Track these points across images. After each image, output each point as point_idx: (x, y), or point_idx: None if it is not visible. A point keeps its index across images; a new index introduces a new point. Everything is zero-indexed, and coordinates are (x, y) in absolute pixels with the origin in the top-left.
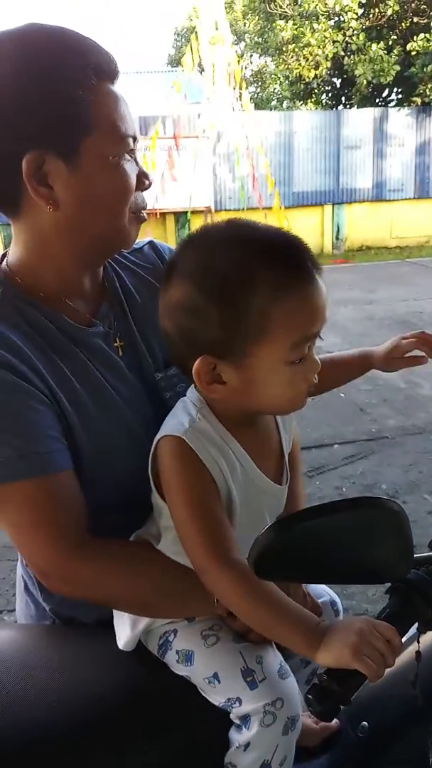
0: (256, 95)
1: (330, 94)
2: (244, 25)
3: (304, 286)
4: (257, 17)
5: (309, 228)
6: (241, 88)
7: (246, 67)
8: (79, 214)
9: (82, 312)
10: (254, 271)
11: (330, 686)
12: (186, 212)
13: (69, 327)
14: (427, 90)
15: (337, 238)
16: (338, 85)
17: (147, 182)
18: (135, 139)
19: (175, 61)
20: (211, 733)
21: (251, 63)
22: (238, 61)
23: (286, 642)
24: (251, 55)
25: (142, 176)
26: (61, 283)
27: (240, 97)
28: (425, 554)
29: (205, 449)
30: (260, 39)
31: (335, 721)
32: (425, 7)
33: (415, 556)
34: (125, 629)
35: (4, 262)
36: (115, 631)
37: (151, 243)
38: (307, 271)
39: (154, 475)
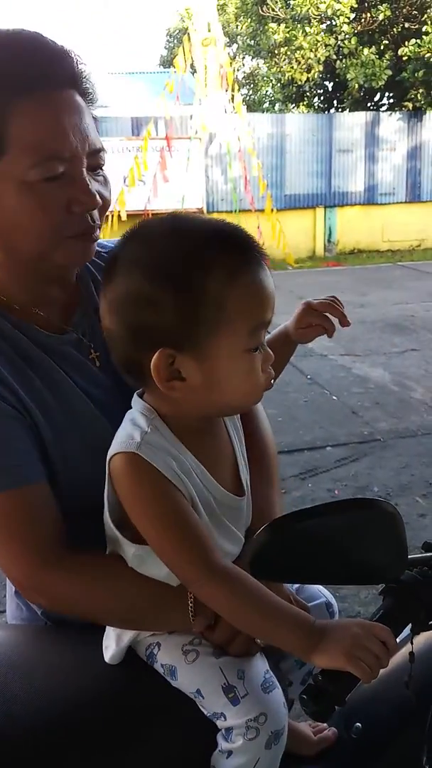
0: (248, 97)
1: (322, 98)
2: (237, 27)
3: (257, 270)
4: (249, 19)
5: (301, 230)
6: (233, 90)
7: (238, 69)
8: (3, 231)
9: (53, 320)
10: (208, 257)
11: (324, 687)
12: None
13: (38, 336)
14: (419, 95)
15: (329, 241)
16: (330, 89)
17: (85, 203)
18: (76, 157)
19: (168, 62)
20: (201, 739)
21: (243, 65)
22: (231, 63)
23: (281, 644)
24: (243, 57)
25: (76, 199)
26: (25, 291)
27: (232, 98)
28: (419, 555)
29: (162, 460)
30: (252, 41)
31: (332, 730)
32: (416, 12)
33: (408, 557)
34: (111, 643)
35: None
36: (103, 643)
37: None
38: (257, 257)
39: (110, 497)
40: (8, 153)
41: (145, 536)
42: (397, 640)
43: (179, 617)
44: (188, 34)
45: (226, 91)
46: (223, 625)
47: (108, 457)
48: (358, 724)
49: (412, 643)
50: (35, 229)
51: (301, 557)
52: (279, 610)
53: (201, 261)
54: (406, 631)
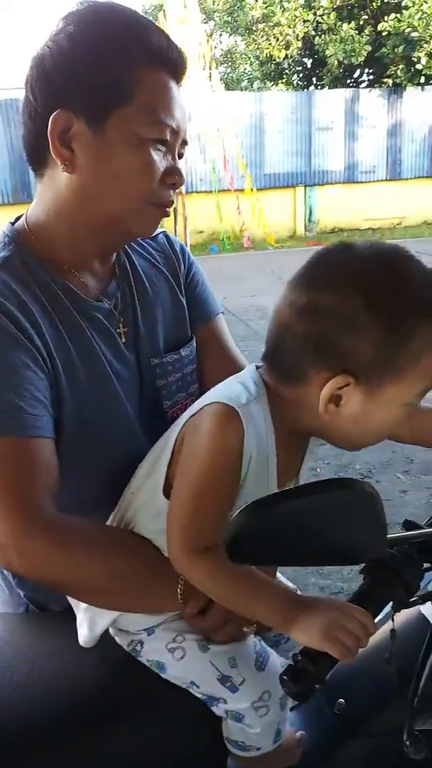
0: (226, 75)
1: (301, 75)
2: (213, 4)
3: None
4: None
5: (281, 210)
6: (210, 68)
7: (215, 47)
8: (93, 184)
9: (90, 287)
10: (426, 310)
11: (304, 667)
12: None
13: (75, 296)
14: (399, 71)
15: (309, 221)
16: (309, 66)
17: (177, 179)
18: (177, 135)
19: None
20: (194, 722)
21: (221, 42)
22: (208, 40)
23: (263, 617)
24: (221, 35)
25: (172, 171)
26: (72, 252)
27: (210, 77)
28: (398, 534)
29: (250, 434)
30: (230, 18)
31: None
32: None
33: (388, 536)
34: (83, 629)
35: (22, 219)
36: (77, 626)
37: (165, 233)
38: None
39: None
40: (131, 104)
41: (176, 484)
42: (380, 617)
43: (166, 598)
44: (164, 11)
45: (204, 69)
46: (215, 610)
47: (201, 404)
48: (341, 700)
49: (393, 621)
50: (132, 186)
51: (279, 539)
52: (261, 583)
53: (422, 313)
54: (388, 608)
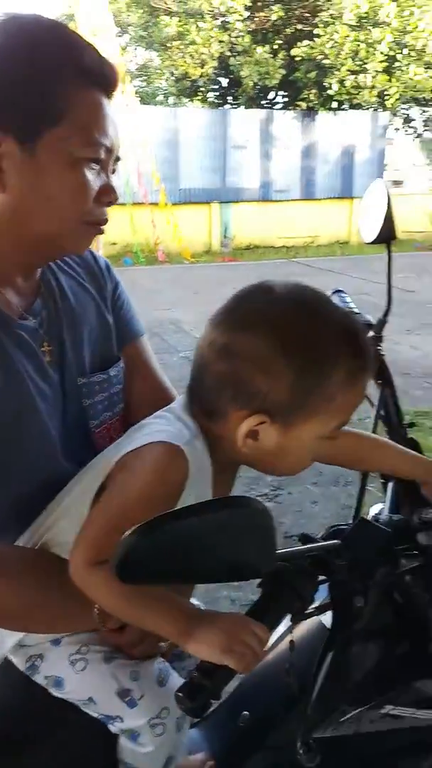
0: (141, 89)
1: (217, 93)
2: (128, 17)
3: (365, 378)
4: (141, 10)
5: (197, 225)
6: (125, 82)
7: (131, 61)
8: (26, 204)
9: (14, 304)
10: (341, 354)
11: (200, 682)
12: None
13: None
14: (311, 95)
15: (225, 236)
16: (225, 85)
17: (111, 197)
18: (111, 153)
19: None
20: (90, 743)
21: (136, 56)
22: (122, 53)
23: (158, 630)
24: (136, 48)
25: (107, 190)
26: None
27: (124, 90)
28: (294, 548)
29: (194, 470)
30: (145, 33)
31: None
32: (309, 15)
33: (284, 550)
34: None
35: None
36: None
37: (90, 251)
38: (370, 365)
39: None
40: (63, 125)
41: (99, 504)
42: (280, 629)
43: (84, 617)
44: (75, 21)
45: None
46: (132, 627)
47: (138, 444)
48: (245, 713)
49: (291, 632)
50: (67, 207)
51: (170, 559)
52: (155, 596)
53: (335, 356)
54: (288, 620)
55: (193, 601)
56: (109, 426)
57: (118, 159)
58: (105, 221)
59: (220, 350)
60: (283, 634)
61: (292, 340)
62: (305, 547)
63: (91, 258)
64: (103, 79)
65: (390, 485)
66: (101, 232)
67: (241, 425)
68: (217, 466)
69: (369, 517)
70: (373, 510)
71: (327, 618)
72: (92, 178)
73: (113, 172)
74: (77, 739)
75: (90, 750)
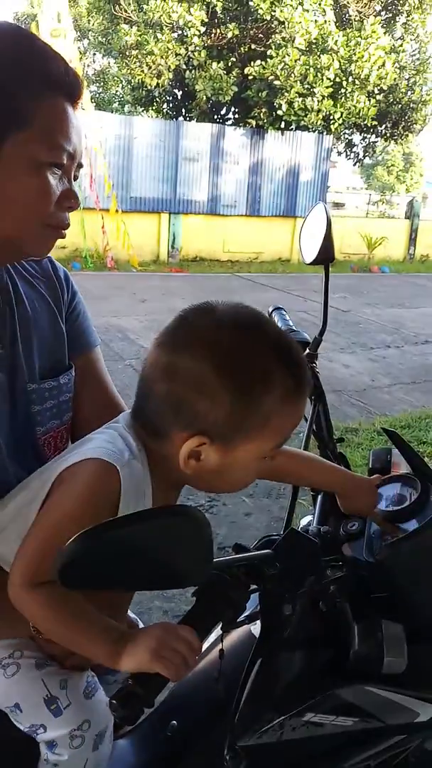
0: (97, 95)
1: (171, 105)
2: (89, 23)
3: (302, 399)
4: (102, 17)
5: (146, 234)
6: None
7: (88, 66)
8: None
9: None
10: (275, 373)
11: (134, 690)
12: None
13: None
14: (262, 114)
15: (172, 247)
16: (179, 97)
17: (73, 201)
18: (73, 159)
19: None
20: (20, 750)
21: (94, 62)
22: (81, 58)
23: (90, 654)
24: (94, 54)
25: (69, 194)
26: None
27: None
28: (227, 558)
29: (129, 491)
30: (104, 39)
31: None
32: (262, 36)
33: (217, 559)
34: None
35: None
36: None
37: (49, 259)
38: (307, 382)
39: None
40: (28, 129)
41: (34, 523)
42: (211, 638)
43: (19, 625)
44: (37, 21)
45: None
46: None
47: (76, 459)
48: (173, 722)
49: (222, 641)
50: (29, 209)
51: (111, 565)
52: (88, 620)
53: (269, 376)
54: (219, 630)
55: (130, 614)
56: (56, 434)
57: (80, 166)
58: (66, 225)
59: (162, 371)
60: (214, 643)
61: (228, 362)
62: (238, 556)
63: (49, 266)
64: (69, 87)
65: (319, 498)
66: (62, 236)
67: (182, 447)
68: (161, 485)
69: (299, 528)
70: (303, 521)
71: (255, 627)
72: (54, 182)
73: (75, 178)
74: (7, 750)
75: (8, 762)
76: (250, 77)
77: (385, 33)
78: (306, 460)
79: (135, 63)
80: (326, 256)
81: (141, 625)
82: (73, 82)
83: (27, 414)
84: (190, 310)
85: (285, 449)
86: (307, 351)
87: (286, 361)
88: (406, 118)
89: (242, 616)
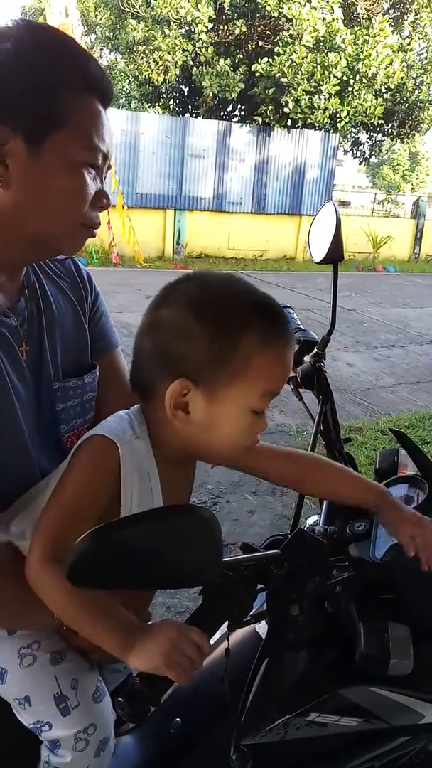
0: None
1: (178, 101)
2: (96, 18)
3: (283, 344)
4: (109, 12)
5: (151, 230)
6: None
7: None
8: (26, 203)
9: None
10: (252, 318)
11: (140, 689)
12: None
13: None
14: (268, 111)
15: (177, 244)
16: (186, 93)
17: (105, 201)
18: (106, 160)
19: None
20: (20, 751)
21: (101, 57)
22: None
23: (101, 642)
24: (101, 49)
25: (101, 195)
26: None
27: None
28: (234, 557)
29: (130, 470)
30: (111, 35)
31: None
32: (270, 33)
33: (225, 558)
34: None
35: None
36: None
37: (72, 259)
38: (289, 334)
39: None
40: (67, 128)
41: (48, 500)
42: (216, 636)
43: (44, 616)
44: (44, 15)
45: None
46: None
47: (87, 435)
48: (178, 719)
49: (228, 640)
50: (66, 208)
51: (120, 564)
52: (103, 609)
53: (245, 318)
54: (225, 627)
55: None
56: (79, 432)
57: (109, 167)
58: (98, 225)
59: (145, 328)
60: (219, 641)
61: (205, 306)
62: (246, 556)
63: (73, 267)
64: (103, 89)
65: None
66: (93, 235)
67: (167, 392)
68: (166, 464)
69: (305, 528)
70: (309, 521)
71: (260, 626)
72: (90, 182)
73: (105, 178)
74: (11, 747)
75: (9, 757)
76: (257, 74)
77: (393, 31)
78: (338, 471)
79: (142, 59)
80: (335, 255)
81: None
82: (107, 84)
83: (52, 412)
84: (174, 280)
85: (318, 459)
86: (315, 350)
87: (262, 305)
88: (413, 117)
89: (249, 615)
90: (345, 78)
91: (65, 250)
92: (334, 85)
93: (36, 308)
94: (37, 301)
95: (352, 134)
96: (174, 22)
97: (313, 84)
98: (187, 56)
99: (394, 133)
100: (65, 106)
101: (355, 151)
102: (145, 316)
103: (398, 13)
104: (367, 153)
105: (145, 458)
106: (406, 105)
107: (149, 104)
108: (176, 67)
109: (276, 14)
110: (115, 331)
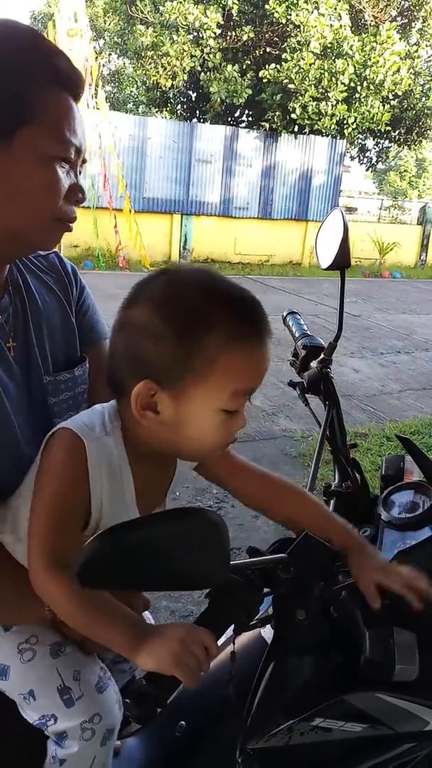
0: (112, 95)
1: (185, 106)
2: (105, 23)
3: (254, 342)
4: (118, 17)
5: (158, 235)
6: (97, 86)
7: (104, 66)
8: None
9: None
10: (216, 314)
11: (147, 690)
12: None
13: None
14: (275, 117)
15: (184, 248)
16: (194, 99)
17: (80, 196)
18: (79, 154)
19: None
20: (27, 750)
21: (109, 62)
22: (96, 58)
23: (110, 644)
24: (110, 54)
25: (76, 189)
26: None
27: (95, 94)
28: (242, 561)
29: (98, 466)
30: (120, 40)
31: None
32: (277, 39)
33: (232, 562)
34: None
35: None
36: None
37: (56, 254)
38: (260, 330)
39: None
40: (34, 124)
41: (32, 504)
42: (222, 640)
43: (38, 610)
44: (53, 21)
45: (90, 86)
46: None
47: (57, 427)
48: (182, 722)
49: (234, 643)
50: (39, 203)
51: (128, 566)
52: (111, 609)
53: (210, 317)
54: (230, 631)
55: (147, 614)
56: None
57: (84, 161)
58: (73, 219)
59: (116, 327)
60: (224, 645)
61: (170, 305)
62: (253, 559)
63: (57, 262)
64: (72, 83)
65: (332, 502)
66: (70, 229)
67: (133, 392)
68: (140, 462)
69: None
70: None
71: (265, 630)
72: (63, 176)
73: (80, 173)
74: (5, 742)
75: (15, 755)
76: (265, 80)
77: (400, 39)
78: (313, 507)
79: (150, 64)
80: (343, 261)
81: (152, 621)
82: (77, 78)
83: (44, 406)
84: (144, 277)
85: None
86: (322, 356)
87: (233, 303)
88: (420, 124)
89: (255, 618)
90: (352, 84)
91: (41, 246)
92: (342, 92)
93: (21, 304)
94: (22, 297)
95: (359, 140)
96: (182, 27)
97: (320, 90)
98: (195, 62)
99: (401, 140)
100: (34, 100)
101: (362, 158)
102: (117, 314)
103: (406, 21)
104: (374, 159)
105: (115, 456)
106: (413, 112)
107: (157, 109)
108: (184, 73)
109: (284, 21)
110: (102, 322)
